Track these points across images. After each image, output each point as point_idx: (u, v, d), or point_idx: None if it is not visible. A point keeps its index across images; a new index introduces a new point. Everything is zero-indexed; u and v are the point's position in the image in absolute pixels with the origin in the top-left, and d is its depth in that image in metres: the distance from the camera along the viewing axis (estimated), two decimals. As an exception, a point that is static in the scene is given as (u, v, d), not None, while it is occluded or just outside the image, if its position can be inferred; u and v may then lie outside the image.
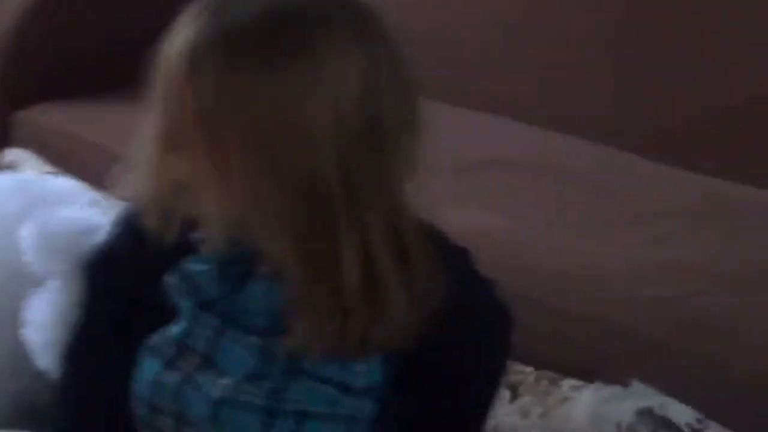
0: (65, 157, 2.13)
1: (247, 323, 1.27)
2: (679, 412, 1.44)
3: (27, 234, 1.50)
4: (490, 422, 1.46)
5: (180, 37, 1.13)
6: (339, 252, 1.14)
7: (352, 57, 1.12)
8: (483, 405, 1.32)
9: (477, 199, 2.00)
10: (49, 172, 1.98)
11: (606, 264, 1.81)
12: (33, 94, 2.34)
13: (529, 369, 1.59)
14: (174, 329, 1.28)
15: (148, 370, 1.27)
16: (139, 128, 1.18)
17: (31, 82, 2.35)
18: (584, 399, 1.51)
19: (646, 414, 1.43)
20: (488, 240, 1.81)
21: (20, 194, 1.67)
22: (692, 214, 2.01)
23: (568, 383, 1.55)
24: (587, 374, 1.58)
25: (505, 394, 1.54)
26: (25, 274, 1.54)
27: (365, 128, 1.12)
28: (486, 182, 2.09)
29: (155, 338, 1.28)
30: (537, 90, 2.52)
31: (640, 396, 1.46)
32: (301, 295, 1.18)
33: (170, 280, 1.28)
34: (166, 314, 1.29)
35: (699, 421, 1.44)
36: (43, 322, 1.52)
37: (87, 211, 1.60)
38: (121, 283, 1.33)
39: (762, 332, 1.65)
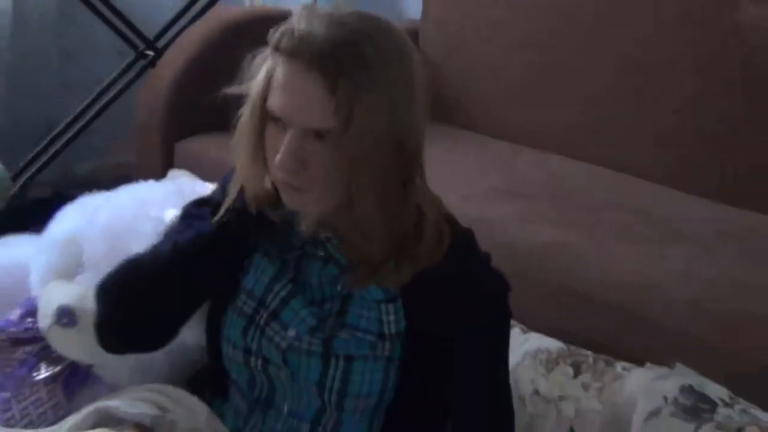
0: (214, 178, 2.15)
1: (309, 290, 1.30)
2: (714, 390, 1.41)
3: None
4: (554, 392, 1.52)
5: None
6: (405, 206, 1.22)
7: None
8: (492, 354, 1.34)
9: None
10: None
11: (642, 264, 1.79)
12: (190, 128, 2.39)
13: (588, 352, 1.57)
14: (255, 291, 1.32)
15: (237, 326, 1.32)
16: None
17: (189, 118, 2.38)
18: (635, 376, 1.49)
19: (687, 390, 1.40)
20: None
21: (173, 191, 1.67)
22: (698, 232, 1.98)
23: (620, 365, 1.53)
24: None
25: (568, 371, 1.53)
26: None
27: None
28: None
29: (238, 302, 1.32)
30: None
31: (683, 375, 1.44)
32: (367, 247, 1.22)
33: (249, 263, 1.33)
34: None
35: (731, 397, 1.40)
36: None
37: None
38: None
39: None
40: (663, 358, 1.51)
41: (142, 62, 2.79)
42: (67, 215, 1.59)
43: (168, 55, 2.52)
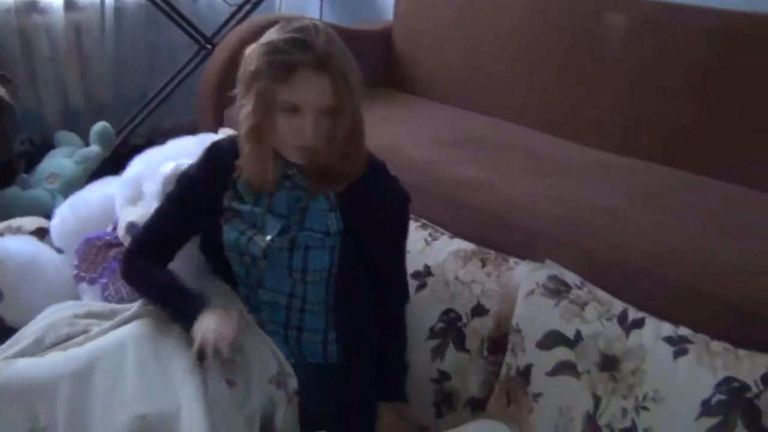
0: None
1: (277, 211, 1.29)
2: (571, 277, 1.37)
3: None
4: (468, 277, 1.48)
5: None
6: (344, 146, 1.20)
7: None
8: (397, 247, 1.37)
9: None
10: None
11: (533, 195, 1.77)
12: (232, 100, 2.25)
13: (492, 251, 1.53)
14: (239, 217, 1.30)
15: (232, 234, 1.30)
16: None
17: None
18: (521, 268, 1.46)
19: (552, 277, 1.37)
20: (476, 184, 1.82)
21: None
22: (576, 169, 1.93)
23: (512, 260, 1.50)
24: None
25: (478, 264, 1.49)
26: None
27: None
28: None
29: (233, 220, 1.30)
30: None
31: (550, 268, 1.40)
32: (319, 171, 1.23)
33: (232, 195, 1.30)
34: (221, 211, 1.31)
35: (582, 282, 1.37)
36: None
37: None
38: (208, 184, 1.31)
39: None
40: (539, 256, 1.48)
41: (203, 53, 2.73)
42: (135, 162, 1.58)
43: (218, 48, 2.46)
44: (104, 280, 1.64)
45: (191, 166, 1.35)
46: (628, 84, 2.06)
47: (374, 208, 1.28)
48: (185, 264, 1.37)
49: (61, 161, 2.45)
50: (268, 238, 1.28)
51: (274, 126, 1.17)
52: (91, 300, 1.64)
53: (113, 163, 2.54)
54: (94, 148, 2.50)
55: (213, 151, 1.33)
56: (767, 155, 1.82)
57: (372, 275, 1.34)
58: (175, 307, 1.24)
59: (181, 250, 1.35)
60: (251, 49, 1.18)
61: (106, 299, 1.63)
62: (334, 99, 1.14)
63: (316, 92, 1.14)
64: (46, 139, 2.62)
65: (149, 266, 1.31)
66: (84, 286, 1.54)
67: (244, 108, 1.18)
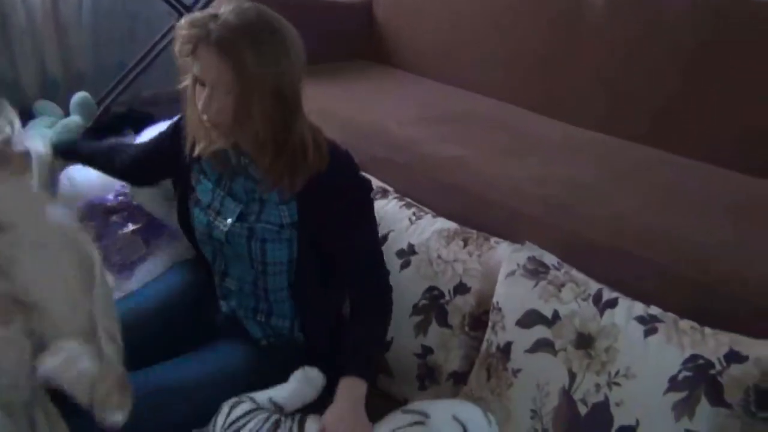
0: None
1: (236, 196, 1.33)
2: (549, 258, 1.41)
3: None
4: (450, 256, 1.50)
5: None
6: (291, 140, 1.22)
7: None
8: (362, 236, 1.34)
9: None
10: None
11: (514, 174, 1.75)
12: None
13: (474, 231, 1.56)
14: (202, 198, 1.36)
15: (198, 216, 1.36)
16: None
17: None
18: (502, 248, 1.49)
19: (532, 259, 1.39)
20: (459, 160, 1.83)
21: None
22: (557, 148, 1.94)
23: (494, 239, 1.53)
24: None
25: (460, 243, 1.52)
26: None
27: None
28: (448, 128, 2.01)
29: (198, 200, 1.37)
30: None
31: (530, 249, 1.43)
32: (271, 165, 1.24)
33: (199, 169, 1.36)
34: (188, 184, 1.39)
35: (559, 263, 1.40)
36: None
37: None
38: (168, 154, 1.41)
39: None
40: (519, 235, 1.50)
41: (183, 21, 2.71)
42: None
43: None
44: (105, 242, 1.69)
45: (167, 127, 1.45)
46: (611, 62, 2.05)
47: (330, 198, 1.29)
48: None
49: (42, 131, 2.43)
50: (228, 221, 1.32)
51: (195, 99, 1.23)
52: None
53: (93, 132, 2.54)
54: (75, 118, 2.46)
55: (179, 121, 1.40)
56: (749, 137, 1.83)
57: (336, 265, 1.34)
58: None
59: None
60: (176, 27, 1.21)
61: (107, 260, 1.68)
62: (224, 74, 1.16)
63: (210, 69, 1.17)
64: (24, 109, 2.59)
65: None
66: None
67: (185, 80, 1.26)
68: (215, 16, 1.17)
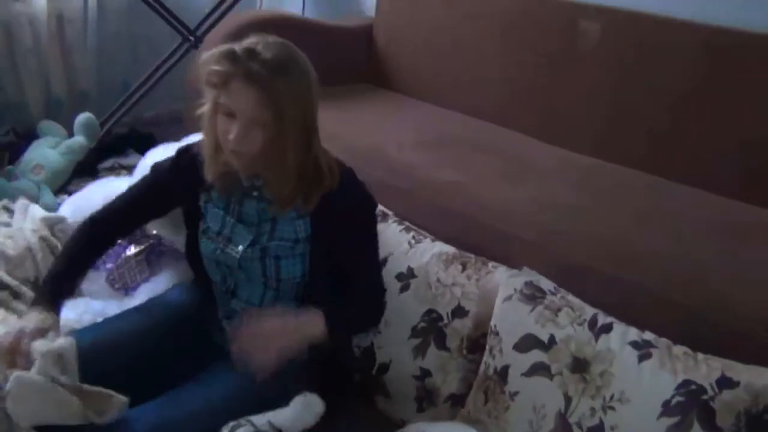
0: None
1: (247, 221, 1.34)
2: (546, 284, 1.41)
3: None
4: (449, 280, 1.51)
5: None
6: (310, 163, 1.26)
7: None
8: (365, 250, 1.39)
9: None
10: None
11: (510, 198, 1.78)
12: None
13: (472, 255, 1.57)
14: (212, 225, 1.37)
15: (207, 246, 1.37)
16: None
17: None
18: (499, 272, 1.50)
19: (529, 284, 1.42)
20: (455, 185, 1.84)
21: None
22: (553, 173, 1.96)
23: (491, 264, 1.54)
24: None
25: (458, 267, 1.53)
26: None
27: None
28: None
29: (206, 230, 1.37)
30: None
31: (527, 274, 1.45)
32: (284, 187, 1.27)
33: (207, 198, 1.36)
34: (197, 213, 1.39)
35: (556, 289, 1.42)
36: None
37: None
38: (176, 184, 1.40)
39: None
40: (515, 258, 1.52)
41: (186, 44, 2.74)
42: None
43: (206, 41, 2.47)
44: (109, 266, 1.70)
45: (165, 159, 1.43)
46: (606, 87, 2.08)
47: (342, 214, 1.33)
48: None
49: (46, 152, 2.47)
50: (240, 248, 1.34)
51: (216, 126, 1.24)
52: (95, 285, 1.70)
53: (97, 153, 2.57)
54: (79, 139, 2.51)
55: (182, 151, 1.41)
56: (739, 163, 1.86)
57: (341, 278, 1.37)
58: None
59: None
60: (204, 55, 1.24)
61: (110, 284, 1.69)
62: (263, 111, 1.19)
63: (246, 105, 1.18)
64: (29, 128, 2.62)
65: (84, 234, 1.39)
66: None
67: (204, 106, 1.26)
68: (252, 52, 1.18)
